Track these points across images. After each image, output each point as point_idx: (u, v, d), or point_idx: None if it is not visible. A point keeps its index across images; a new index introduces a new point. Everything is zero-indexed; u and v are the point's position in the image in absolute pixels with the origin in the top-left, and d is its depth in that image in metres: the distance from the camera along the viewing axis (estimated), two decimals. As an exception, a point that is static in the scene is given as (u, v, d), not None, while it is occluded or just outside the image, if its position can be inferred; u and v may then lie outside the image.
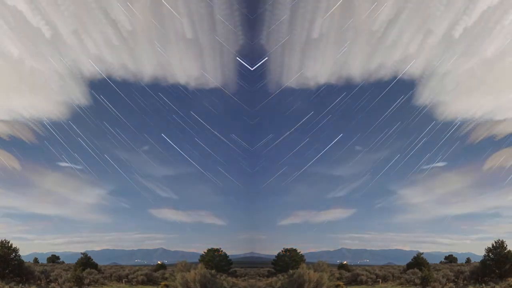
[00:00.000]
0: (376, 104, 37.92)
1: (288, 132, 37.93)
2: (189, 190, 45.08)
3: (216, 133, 37.67)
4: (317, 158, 40.59)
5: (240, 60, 33.86)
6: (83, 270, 31.27)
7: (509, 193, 41.02)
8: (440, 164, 41.33)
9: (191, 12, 33.35)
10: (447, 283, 29.28)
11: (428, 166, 41.06)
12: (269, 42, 34.48)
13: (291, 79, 36.13)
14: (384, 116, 38.16)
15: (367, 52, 35.75)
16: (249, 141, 36.11)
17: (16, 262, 28.70)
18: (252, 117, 35.39)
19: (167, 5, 32.71)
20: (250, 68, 33.81)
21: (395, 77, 37.11)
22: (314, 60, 36.06)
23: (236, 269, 33.84)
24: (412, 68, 36.69)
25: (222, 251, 34.03)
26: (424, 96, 38.29)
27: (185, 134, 39.85)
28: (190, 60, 36.20)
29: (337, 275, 32.94)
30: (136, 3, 33.02)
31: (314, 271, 27.21)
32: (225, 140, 37.93)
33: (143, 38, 34.59)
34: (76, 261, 34.65)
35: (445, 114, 38.73)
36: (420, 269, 31.70)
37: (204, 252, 34.03)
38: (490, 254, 29.63)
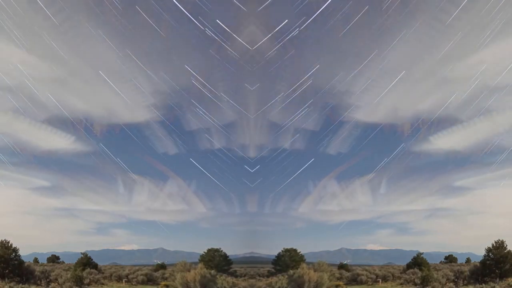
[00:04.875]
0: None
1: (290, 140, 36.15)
2: (189, 190, 45.05)
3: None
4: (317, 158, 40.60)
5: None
6: (83, 270, 31.26)
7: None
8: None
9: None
10: (447, 283, 29.28)
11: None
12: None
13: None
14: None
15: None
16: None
17: (16, 262, 28.69)
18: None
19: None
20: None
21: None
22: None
23: (236, 269, 33.82)
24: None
25: (222, 251, 34.04)
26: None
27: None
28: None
29: (337, 275, 32.94)
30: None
31: (314, 271, 27.22)
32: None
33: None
34: (76, 261, 34.64)
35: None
36: (420, 269, 31.72)
37: (204, 252, 34.01)
38: (490, 254, 29.64)
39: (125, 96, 32.10)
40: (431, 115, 34.33)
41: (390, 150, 36.78)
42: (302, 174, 40.47)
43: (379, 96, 33.01)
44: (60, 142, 35.02)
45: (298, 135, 33.61)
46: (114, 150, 36.44)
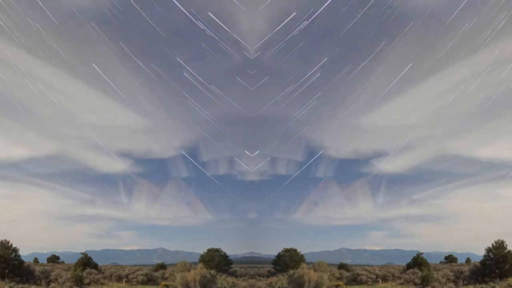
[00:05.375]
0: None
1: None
2: (189, 191, 45.14)
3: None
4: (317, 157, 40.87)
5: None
6: (83, 270, 31.26)
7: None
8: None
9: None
10: (447, 283, 29.29)
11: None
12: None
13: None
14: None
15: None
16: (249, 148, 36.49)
17: (16, 262, 28.69)
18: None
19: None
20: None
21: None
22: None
23: (236, 269, 33.84)
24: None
25: (222, 251, 34.04)
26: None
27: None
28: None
29: (337, 275, 32.94)
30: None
31: (314, 271, 27.23)
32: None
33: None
34: (76, 261, 34.64)
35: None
36: (420, 269, 31.71)
37: (204, 252, 34.01)
38: (490, 254, 29.64)
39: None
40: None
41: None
42: (301, 176, 41.46)
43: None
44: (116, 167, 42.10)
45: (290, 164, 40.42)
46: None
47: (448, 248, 51.85)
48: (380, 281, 32.83)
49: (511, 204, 43.15)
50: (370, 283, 32.57)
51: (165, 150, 42.14)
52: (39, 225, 45.66)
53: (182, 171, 43.03)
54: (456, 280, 30.42)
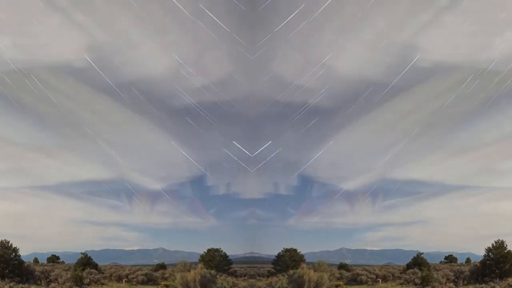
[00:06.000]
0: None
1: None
2: (188, 190, 45.14)
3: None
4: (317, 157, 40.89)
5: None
6: (83, 270, 31.29)
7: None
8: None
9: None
10: (447, 283, 29.31)
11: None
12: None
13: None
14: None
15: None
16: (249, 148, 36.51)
17: (16, 262, 28.73)
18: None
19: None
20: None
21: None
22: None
23: (236, 269, 33.84)
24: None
25: (222, 251, 34.05)
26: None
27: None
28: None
29: (337, 275, 32.95)
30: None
31: (314, 271, 27.27)
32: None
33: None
34: (76, 261, 34.64)
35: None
36: (420, 269, 31.73)
37: (204, 252, 34.02)
38: (490, 254, 29.68)
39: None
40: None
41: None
42: (300, 177, 41.65)
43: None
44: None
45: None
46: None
47: (448, 248, 51.74)
48: (380, 281, 32.87)
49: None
50: (370, 283, 32.60)
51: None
52: (40, 226, 45.98)
53: (187, 192, 43.94)
54: (456, 280, 30.45)
